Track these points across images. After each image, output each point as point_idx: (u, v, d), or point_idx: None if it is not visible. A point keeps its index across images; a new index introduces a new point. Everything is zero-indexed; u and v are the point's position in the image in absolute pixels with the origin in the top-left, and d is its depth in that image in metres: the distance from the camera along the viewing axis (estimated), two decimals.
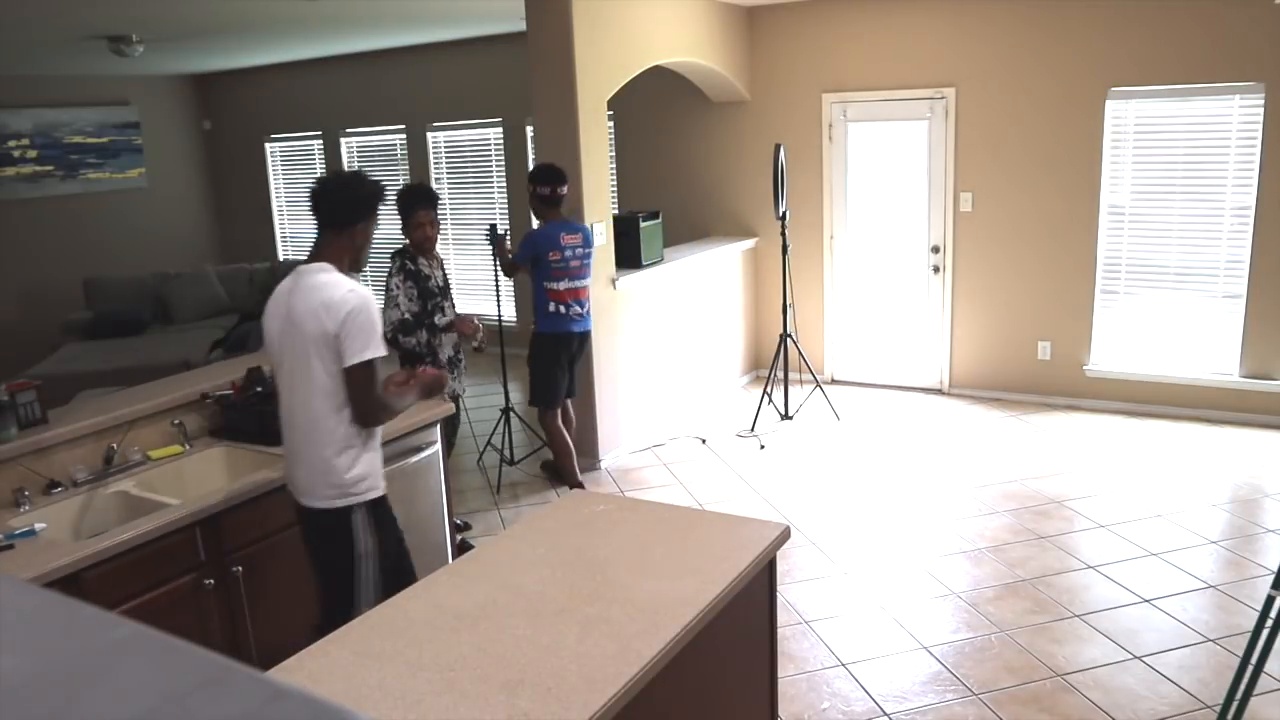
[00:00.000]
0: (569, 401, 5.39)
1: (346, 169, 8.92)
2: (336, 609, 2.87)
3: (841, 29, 6.79)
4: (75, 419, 3.28)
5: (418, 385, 3.03)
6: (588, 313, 5.23)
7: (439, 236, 4.65)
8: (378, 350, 2.81)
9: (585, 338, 5.28)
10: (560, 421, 5.30)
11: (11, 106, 9.02)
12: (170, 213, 10.44)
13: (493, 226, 5.29)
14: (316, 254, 2.89)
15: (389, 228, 5.05)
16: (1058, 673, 3.51)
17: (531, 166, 5.24)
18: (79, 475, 3.22)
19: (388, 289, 4.49)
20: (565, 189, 5.07)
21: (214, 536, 3.05)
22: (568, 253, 5.03)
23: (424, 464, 3.86)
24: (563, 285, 5.05)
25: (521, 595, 2.22)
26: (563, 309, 5.08)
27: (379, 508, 2.97)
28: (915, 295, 6.95)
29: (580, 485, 5.26)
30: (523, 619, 2.11)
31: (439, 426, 3.94)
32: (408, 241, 4.56)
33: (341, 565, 2.91)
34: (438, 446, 3.92)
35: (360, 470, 2.88)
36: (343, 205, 2.88)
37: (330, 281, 2.80)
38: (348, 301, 2.76)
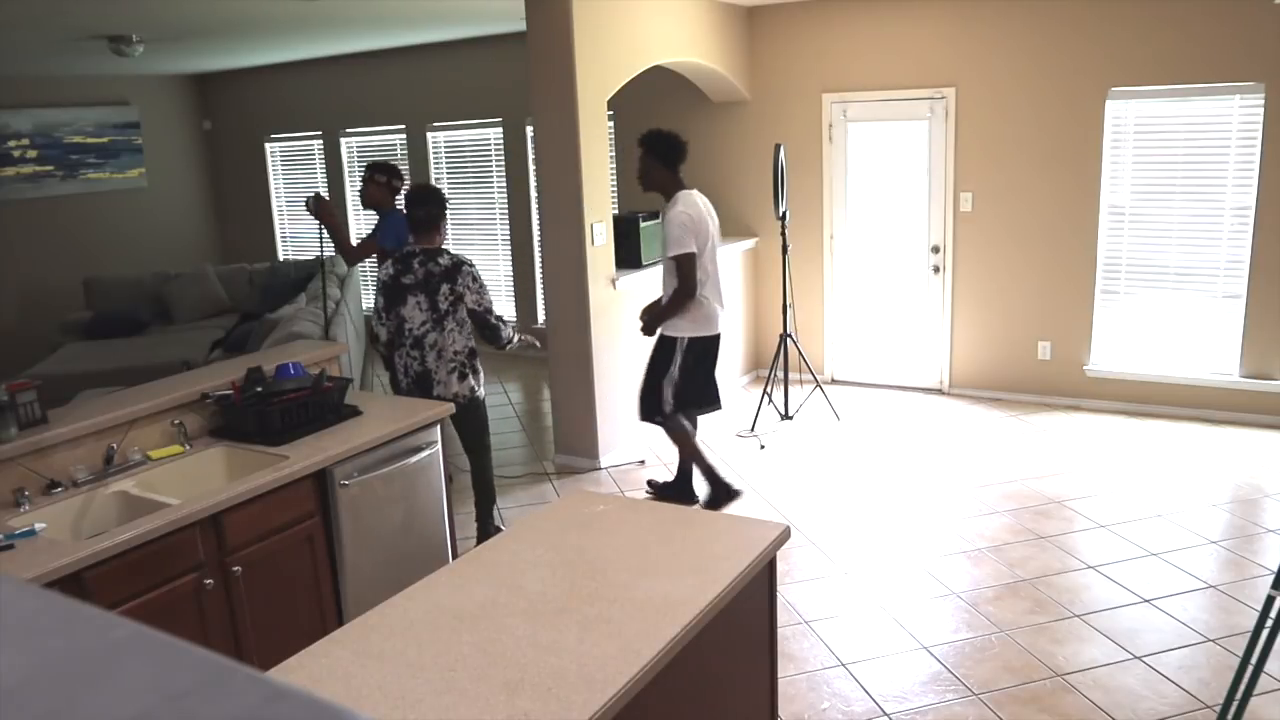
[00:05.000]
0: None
1: None
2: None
3: (841, 29, 6.79)
4: (75, 419, 3.28)
5: None
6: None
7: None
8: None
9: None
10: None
11: (11, 106, 9.02)
12: (170, 213, 10.44)
13: (316, 195, 5.35)
14: None
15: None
16: (1058, 673, 3.51)
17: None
18: (79, 475, 3.22)
19: (480, 282, 4.47)
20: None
21: (214, 536, 3.05)
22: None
23: (424, 464, 3.86)
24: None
25: (521, 595, 2.22)
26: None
27: None
28: (915, 295, 6.95)
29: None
30: (523, 619, 2.11)
31: (438, 427, 3.95)
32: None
33: None
34: (438, 446, 3.92)
35: None
36: None
37: None
38: None
